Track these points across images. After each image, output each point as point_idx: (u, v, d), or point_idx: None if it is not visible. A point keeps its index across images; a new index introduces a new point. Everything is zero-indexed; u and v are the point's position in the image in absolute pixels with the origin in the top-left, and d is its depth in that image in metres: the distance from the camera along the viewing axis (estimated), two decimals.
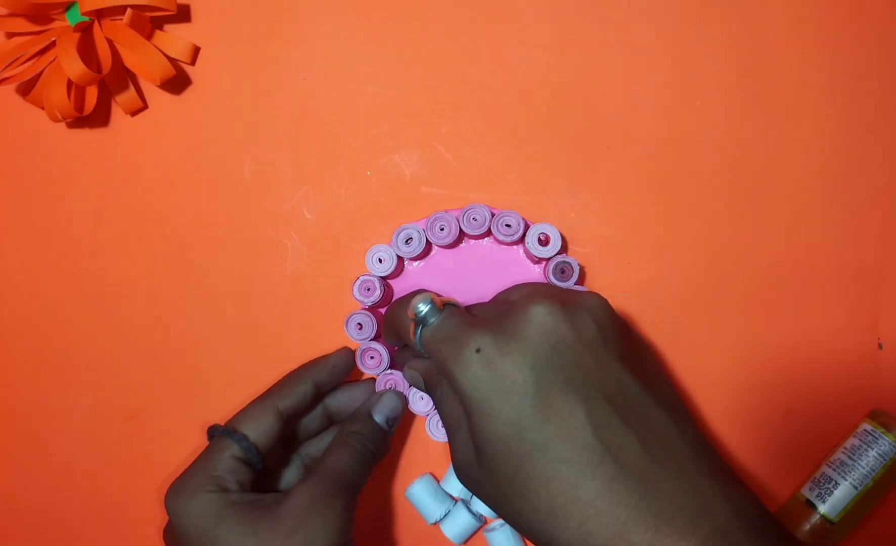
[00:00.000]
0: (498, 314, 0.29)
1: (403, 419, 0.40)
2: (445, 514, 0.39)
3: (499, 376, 0.27)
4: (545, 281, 0.38)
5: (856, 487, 0.37)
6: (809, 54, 0.40)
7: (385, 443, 0.36)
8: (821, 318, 0.40)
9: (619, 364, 0.27)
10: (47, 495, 0.42)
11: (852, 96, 0.40)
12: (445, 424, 0.31)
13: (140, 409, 0.41)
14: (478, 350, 0.27)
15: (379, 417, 0.36)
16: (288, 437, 0.37)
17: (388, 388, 0.38)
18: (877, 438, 0.37)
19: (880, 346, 0.40)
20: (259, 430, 0.34)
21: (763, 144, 0.40)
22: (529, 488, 0.26)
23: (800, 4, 0.40)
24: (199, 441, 0.41)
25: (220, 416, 0.41)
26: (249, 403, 0.36)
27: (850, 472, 0.37)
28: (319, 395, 0.37)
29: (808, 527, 0.37)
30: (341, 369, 0.38)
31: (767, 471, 0.40)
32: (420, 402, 0.38)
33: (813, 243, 0.40)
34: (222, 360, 0.41)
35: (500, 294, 0.36)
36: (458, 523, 0.39)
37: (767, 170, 0.40)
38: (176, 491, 0.32)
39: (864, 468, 0.37)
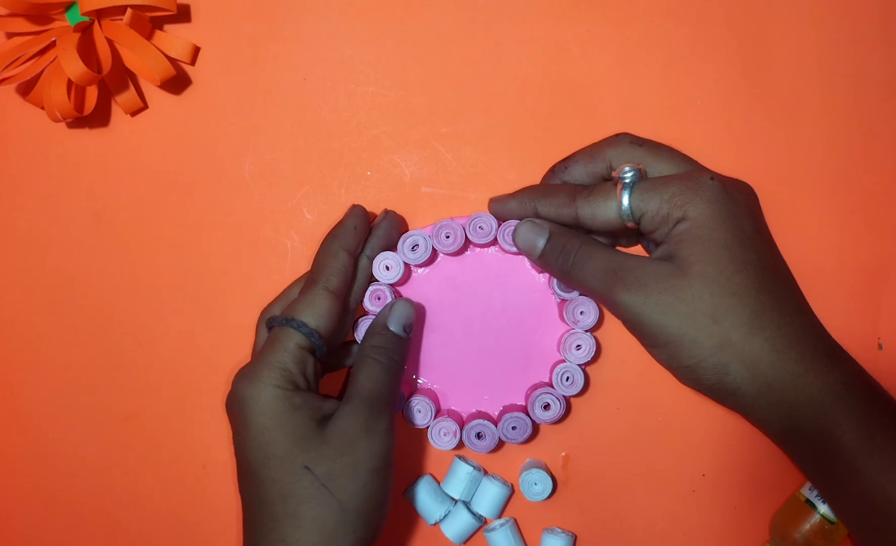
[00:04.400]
0: (703, 176, 0.33)
1: (403, 420, 0.40)
2: (445, 515, 0.39)
3: (729, 200, 0.32)
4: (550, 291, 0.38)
5: None
6: (809, 54, 0.40)
7: (406, 350, 0.36)
8: (821, 318, 0.40)
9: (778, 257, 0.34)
10: (47, 495, 0.42)
11: (852, 96, 0.40)
12: (604, 266, 0.33)
13: (140, 409, 0.42)
14: (712, 178, 0.32)
15: (395, 327, 0.36)
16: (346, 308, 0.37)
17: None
18: None
19: (880, 346, 0.40)
20: (318, 315, 0.34)
21: (763, 144, 0.40)
22: (731, 289, 0.31)
23: (800, 4, 0.40)
24: (199, 439, 0.41)
25: (220, 416, 0.41)
26: (299, 292, 0.35)
27: None
28: (354, 260, 0.37)
29: (808, 527, 0.37)
30: (362, 225, 0.37)
31: (767, 471, 0.40)
32: (418, 415, 0.38)
33: (813, 243, 0.40)
34: (222, 360, 0.41)
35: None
36: (458, 523, 0.39)
37: (767, 170, 0.40)
38: (248, 378, 0.33)
39: None
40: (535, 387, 0.38)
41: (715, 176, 0.32)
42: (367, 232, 0.38)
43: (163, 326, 0.41)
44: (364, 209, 0.38)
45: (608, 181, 0.34)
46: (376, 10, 0.40)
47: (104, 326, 0.41)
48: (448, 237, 0.37)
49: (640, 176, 0.33)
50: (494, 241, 0.38)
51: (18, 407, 0.42)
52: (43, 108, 0.39)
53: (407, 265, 0.38)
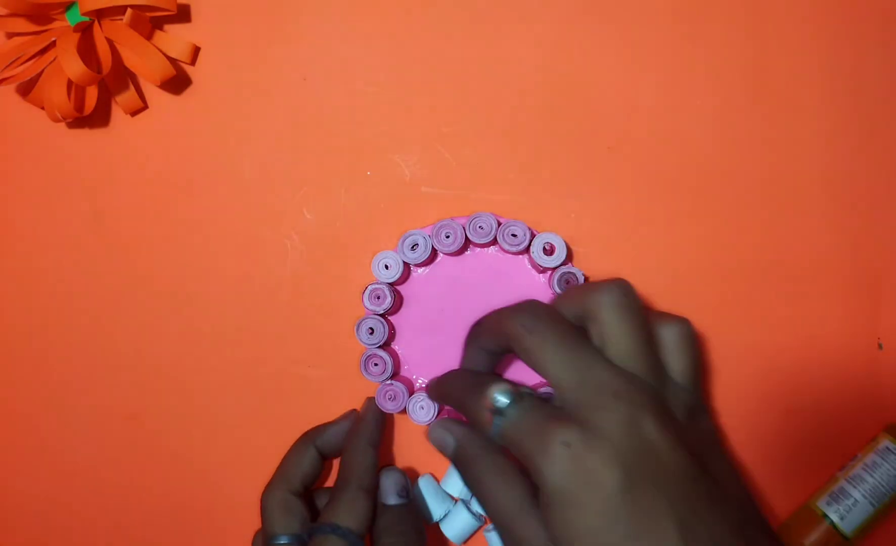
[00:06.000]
0: (581, 402, 0.29)
1: (404, 421, 0.40)
2: (445, 515, 0.39)
3: (588, 470, 0.27)
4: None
5: (874, 505, 0.36)
6: (809, 54, 0.40)
7: (411, 514, 0.36)
8: (821, 318, 0.40)
9: (696, 465, 0.28)
10: (47, 495, 0.42)
11: (852, 96, 0.40)
12: (495, 505, 0.30)
13: (140, 409, 0.41)
14: (565, 444, 0.28)
15: (390, 499, 0.36)
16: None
17: (387, 397, 0.38)
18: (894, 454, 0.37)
19: (880, 346, 0.40)
20: (359, 518, 0.34)
21: (763, 144, 0.40)
22: None
23: (800, 4, 0.40)
24: (199, 439, 0.41)
25: (220, 416, 0.41)
26: (335, 491, 0.36)
27: (870, 491, 0.37)
28: (378, 453, 0.37)
29: (817, 537, 0.37)
30: (381, 417, 0.39)
31: (767, 471, 0.40)
32: (420, 412, 0.38)
33: (813, 243, 0.40)
34: (222, 359, 0.41)
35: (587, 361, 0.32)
36: (458, 523, 0.39)
37: (767, 170, 0.40)
38: None
39: (883, 487, 0.37)
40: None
41: (573, 426, 0.28)
42: (384, 422, 0.39)
43: (163, 326, 0.41)
44: (378, 409, 0.39)
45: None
46: (376, 10, 0.40)
47: (104, 326, 0.41)
48: (448, 237, 0.37)
49: (515, 398, 0.30)
50: (494, 241, 0.38)
51: (18, 407, 0.42)
52: (43, 108, 0.39)
53: (406, 265, 0.38)
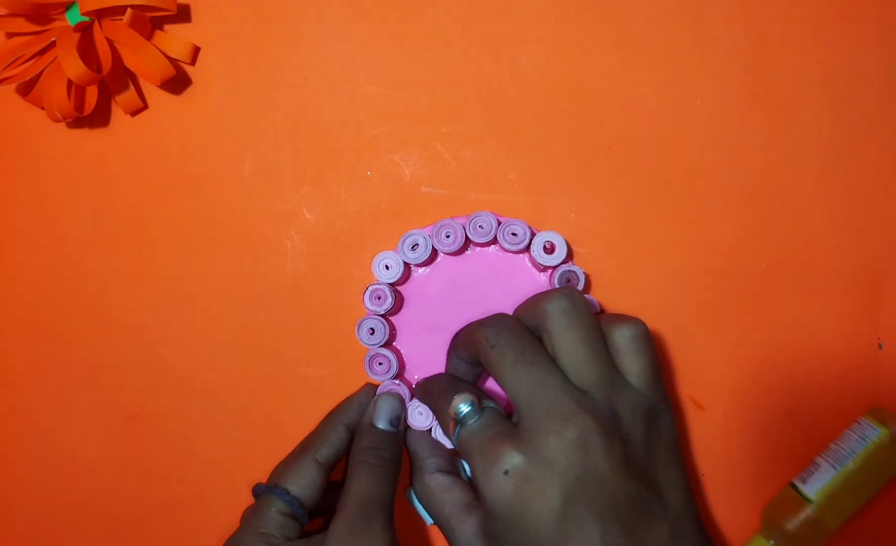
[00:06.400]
0: (531, 424, 0.30)
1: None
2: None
3: (525, 499, 0.29)
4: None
5: (836, 468, 0.37)
6: (809, 54, 0.40)
7: (397, 444, 0.37)
8: (821, 318, 0.40)
9: (637, 484, 0.29)
10: (47, 495, 0.42)
11: (852, 96, 0.40)
12: (439, 505, 0.33)
13: (140, 409, 0.42)
14: (506, 472, 0.29)
15: (382, 423, 0.36)
16: (331, 481, 0.38)
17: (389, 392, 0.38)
18: (864, 426, 0.37)
19: (880, 346, 0.40)
20: (302, 484, 0.35)
21: (763, 144, 0.40)
22: None
23: (800, 4, 0.40)
24: (199, 439, 0.41)
25: (220, 416, 0.41)
26: (288, 456, 0.36)
27: (832, 455, 0.38)
28: (351, 436, 0.37)
29: (798, 517, 0.37)
30: (368, 405, 0.38)
31: (767, 471, 0.40)
32: (419, 418, 0.38)
33: (813, 243, 0.40)
34: (222, 359, 0.41)
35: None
36: None
37: (767, 170, 0.40)
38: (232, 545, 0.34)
39: (845, 450, 0.37)
40: None
41: (517, 452, 0.29)
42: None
43: (163, 326, 0.41)
44: (374, 389, 0.39)
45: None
46: (376, 10, 0.40)
47: (104, 326, 0.41)
48: (448, 236, 0.37)
49: (475, 410, 0.31)
50: (494, 240, 0.38)
51: (18, 407, 0.42)
52: (43, 108, 0.39)
53: (407, 265, 0.38)
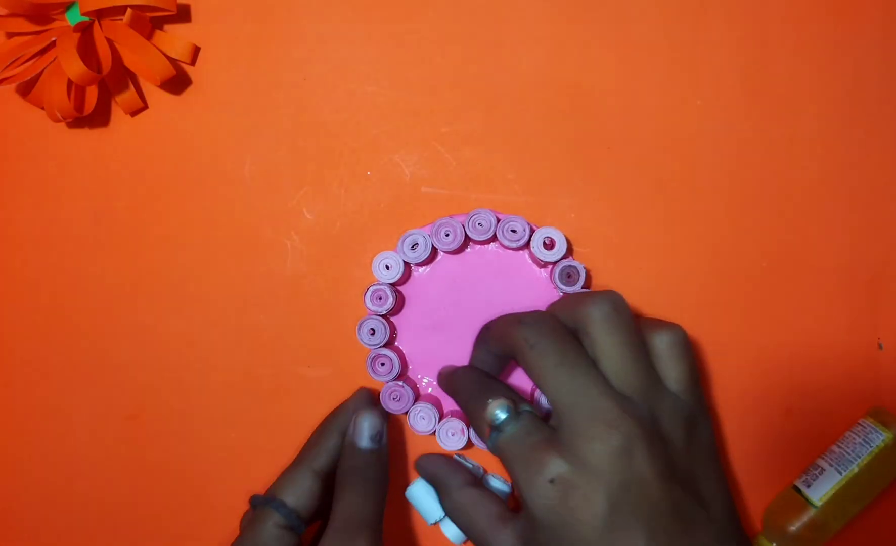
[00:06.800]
0: (574, 429, 0.29)
1: (405, 422, 0.40)
2: (445, 515, 0.39)
3: (571, 507, 0.28)
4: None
5: (840, 472, 0.37)
6: (809, 54, 0.40)
7: (381, 462, 0.36)
8: (821, 318, 0.40)
9: (681, 491, 0.29)
10: (47, 495, 0.42)
11: (853, 96, 0.40)
12: (472, 520, 0.33)
13: (140, 409, 0.41)
14: (551, 481, 0.29)
15: (363, 443, 0.36)
16: (331, 489, 0.37)
17: (392, 397, 0.38)
18: (867, 429, 0.37)
19: (880, 346, 0.40)
20: (298, 495, 0.35)
21: (763, 144, 0.40)
22: None
23: (800, 4, 0.40)
24: (199, 439, 0.41)
25: (220, 416, 0.41)
26: (286, 469, 0.36)
27: (836, 459, 0.37)
28: None
29: (800, 518, 0.37)
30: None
31: (767, 471, 0.40)
32: (422, 422, 0.38)
33: (813, 243, 0.40)
34: (222, 359, 0.41)
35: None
36: None
37: (767, 170, 0.40)
38: None
39: (849, 454, 0.37)
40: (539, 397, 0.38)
41: (560, 459, 0.29)
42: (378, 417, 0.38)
43: (163, 326, 0.41)
44: (370, 393, 0.39)
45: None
46: (376, 10, 0.40)
47: (104, 326, 0.41)
48: (448, 235, 0.37)
49: (512, 416, 0.31)
50: (494, 238, 0.38)
51: (18, 407, 0.42)
52: (43, 108, 0.39)
53: (407, 264, 0.38)
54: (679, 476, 0.29)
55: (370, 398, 0.39)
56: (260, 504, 0.35)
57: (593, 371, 0.30)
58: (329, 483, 0.36)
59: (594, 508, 0.28)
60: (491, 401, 0.32)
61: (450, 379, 0.37)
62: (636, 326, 0.31)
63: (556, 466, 0.29)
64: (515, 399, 0.32)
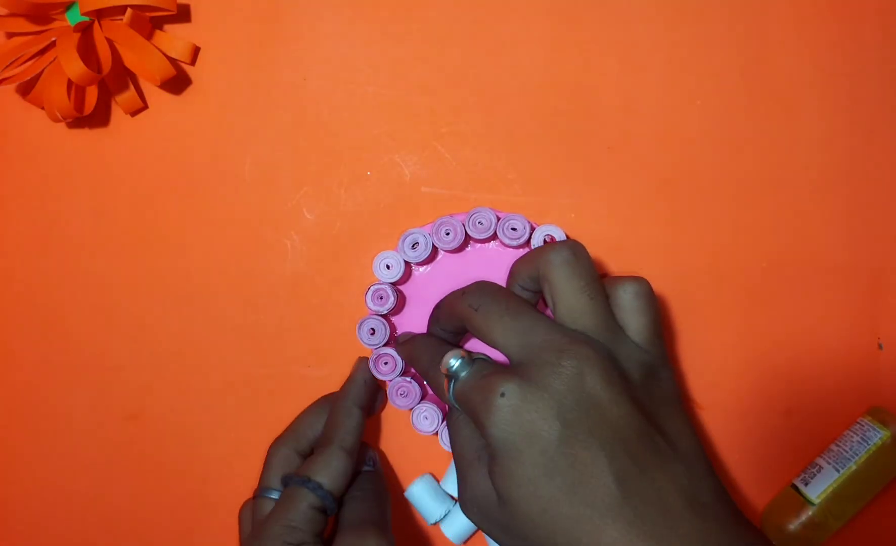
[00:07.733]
0: (525, 361, 0.29)
1: (405, 422, 0.40)
2: (445, 514, 0.39)
3: (525, 421, 0.28)
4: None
5: (838, 470, 0.37)
6: (809, 54, 0.40)
7: (378, 476, 0.38)
8: (821, 318, 0.40)
9: (642, 419, 0.28)
10: (47, 495, 0.42)
11: (853, 96, 0.40)
12: (458, 455, 0.31)
13: (140, 409, 0.41)
14: (502, 394, 0.28)
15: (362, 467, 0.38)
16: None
17: (399, 393, 0.38)
18: (865, 428, 0.37)
19: (880, 346, 0.40)
20: (334, 476, 0.35)
21: (763, 144, 0.40)
22: (556, 529, 0.27)
23: (800, 4, 0.40)
24: (199, 439, 0.41)
25: (220, 416, 0.41)
26: (318, 446, 0.37)
27: (834, 457, 0.38)
28: (366, 415, 0.38)
29: (799, 518, 0.37)
30: (371, 379, 0.39)
31: (767, 470, 0.40)
32: (424, 422, 0.38)
33: (813, 243, 0.40)
34: (222, 359, 0.41)
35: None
36: (458, 523, 0.39)
37: (767, 170, 0.40)
38: (258, 538, 0.34)
39: (847, 452, 0.37)
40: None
41: (514, 378, 0.28)
42: (374, 384, 0.39)
43: (163, 326, 0.41)
44: (367, 360, 0.39)
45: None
46: (376, 10, 0.40)
47: (104, 326, 0.41)
48: (448, 234, 0.37)
49: (467, 361, 0.31)
50: (494, 236, 0.38)
51: (18, 407, 0.42)
52: (43, 108, 0.39)
53: (407, 264, 0.38)
54: (639, 407, 0.28)
55: (368, 370, 0.39)
56: (297, 484, 0.35)
57: (540, 315, 0.30)
58: (355, 460, 0.37)
59: (550, 425, 0.27)
60: (446, 354, 0.32)
61: (410, 346, 0.37)
62: (597, 275, 0.31)
63: (506, 384, 0.28)
64: (468, 351, 0.32)
